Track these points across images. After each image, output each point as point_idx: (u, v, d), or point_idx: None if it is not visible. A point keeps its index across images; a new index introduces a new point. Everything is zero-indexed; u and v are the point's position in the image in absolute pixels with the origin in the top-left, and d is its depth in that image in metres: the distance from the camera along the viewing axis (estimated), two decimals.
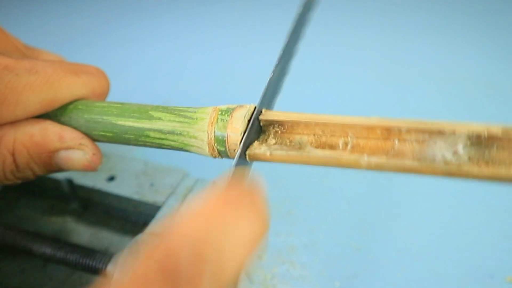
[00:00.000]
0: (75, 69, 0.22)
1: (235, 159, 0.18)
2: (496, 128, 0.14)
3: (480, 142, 0.14)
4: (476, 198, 0.50)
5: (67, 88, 0.21)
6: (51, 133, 0.21)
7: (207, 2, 1.08)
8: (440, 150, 0.14)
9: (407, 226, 0.47)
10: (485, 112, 0.66)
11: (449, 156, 0.14)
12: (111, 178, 0.33)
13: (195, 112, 0.20)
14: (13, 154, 0.20)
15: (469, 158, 0.14)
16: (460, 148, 0.14)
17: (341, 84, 0.75)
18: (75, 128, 0.22)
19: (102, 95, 0.24)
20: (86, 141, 0.22)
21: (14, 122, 0.20)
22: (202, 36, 0.92)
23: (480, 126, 0.14)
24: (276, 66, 0.19)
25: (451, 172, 0.14)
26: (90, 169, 0.22)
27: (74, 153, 0.21)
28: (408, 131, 0.15)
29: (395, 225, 0.47)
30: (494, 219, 0.47)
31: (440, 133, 0.14)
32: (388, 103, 0.69)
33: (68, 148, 0.21)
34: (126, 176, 0.33)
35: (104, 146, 0.23)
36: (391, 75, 0.77)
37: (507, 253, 0.43)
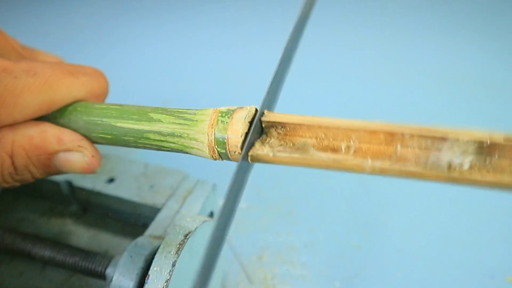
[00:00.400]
0: (73, 70, 0.22)
1: (238, 161, 0.17)
2: (498, 135, 0.13)
3: (483, 149, 0.14)
4: (476, 198, 0.50)
5: (65, 89, 0.21)
6: (50, 135, 0.21)
7: (207, 2, 1.07)
8: (443, 157, 0.14)
9: (407, 226, 0.46)
10: (485, 112, 0.66)
11: (451, 162, 0.14)
12: (111, 180, 0.33)
13: (195, 114, 0.20)
14: (11, 157, 0.20)
15: (472, 165, 0.14)
16: (463, 155, 0.14)
17: (341, 84, 0.75)
18: (74, 130, 0.22)
19: (101, 96, 0.24)
20: (85, 143, 0.21)
21: (12, 125, 0.20)
22: (202, 36, 0.92)
23: (482, 133, 0.14)
24: (278, 67, 0.19)
25: (453, 179, 0.14)
26: (89, 171, 0.22)
27: (73, 155, 0.21)
28: (411, 136, 0.15)
29: (395, 225, 0.47)
30: (494, 219, 0.47)
31: (443, 139, 0.14)
32: (389, 103, 0.69)
33: (67, 150, 0.21)
34: (126, 178, 0.33)
35: (104, 148, 0.23)
36: (391, 75, 0.77)
37: (508, 253, 0.43)
